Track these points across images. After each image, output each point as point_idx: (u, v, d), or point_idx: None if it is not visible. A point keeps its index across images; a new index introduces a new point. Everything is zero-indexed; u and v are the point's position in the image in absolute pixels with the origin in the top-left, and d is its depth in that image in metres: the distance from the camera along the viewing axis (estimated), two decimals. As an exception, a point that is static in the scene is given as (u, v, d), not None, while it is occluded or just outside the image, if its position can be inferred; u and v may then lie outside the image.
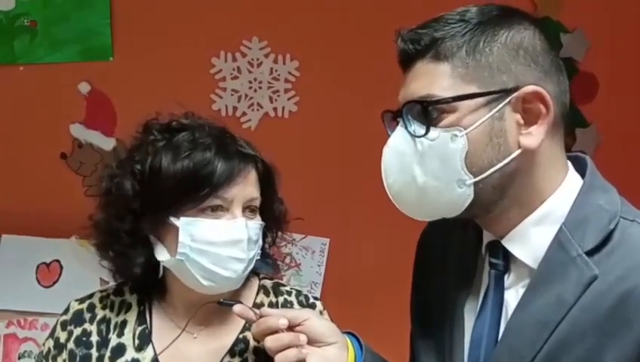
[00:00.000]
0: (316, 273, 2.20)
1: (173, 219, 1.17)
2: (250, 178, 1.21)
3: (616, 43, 2.22)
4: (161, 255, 1.20)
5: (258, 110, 2.21)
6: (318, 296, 2.13)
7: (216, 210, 1.17)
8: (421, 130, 0.96)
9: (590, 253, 0.93)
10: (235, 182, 1.18)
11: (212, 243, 1.16)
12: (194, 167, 1.17)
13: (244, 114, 2.21)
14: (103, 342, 1.23)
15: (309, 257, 2.19)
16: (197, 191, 1.16)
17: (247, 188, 1.19)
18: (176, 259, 1.17)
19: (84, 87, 2.17)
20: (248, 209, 1.20)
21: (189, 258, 1.17)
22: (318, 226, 2.15)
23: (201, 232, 1.16)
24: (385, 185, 1.01)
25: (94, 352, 1.23)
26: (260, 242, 1.23)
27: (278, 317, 1.11)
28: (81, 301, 1.28)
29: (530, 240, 0.98)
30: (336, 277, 2.20)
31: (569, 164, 1.01)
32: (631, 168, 2.05)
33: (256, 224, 1.21)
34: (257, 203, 1.22)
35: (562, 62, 1.00)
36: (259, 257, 1.23)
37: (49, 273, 2.15)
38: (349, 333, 1.17)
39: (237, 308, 1.15)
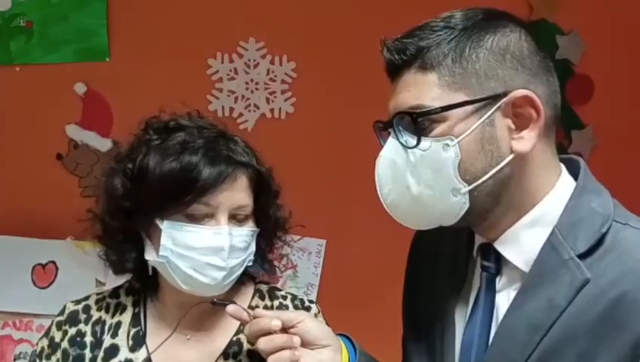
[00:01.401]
0: (313, 274, 2.20)
1: (158, 221, 1.17)
2: (239, 185, 1.18)
3: (612, 45, 2.22)
4: (149, 254, 1.20)
5: (255, 111, 2.21)
6: (315, 297, 2.13)
7: (202, 217, 1.16)
8: (412, 141, 0.95)
9: (582, 256, 0.93)
10: (221, 189, 1.16)
11: (192, 248, 1.15)
12: (179, 171, 1.15)
13: (240, 115, 2.21)
14: (97, 343, 1.23)
15: (305, 258, 2.19)
16: (181, 197, 1.15)
17: (234, 195, 1.17)
18: (157, 260, 1.18)
19: (80, 88, 2.17)
20: (236, 216, 1.18)
21: (169, 261, 1.17)
22: (315, 228, 2.14)
23: (182, 237, 1.16)
24: (379, 196, 1.01)
25: (88, 353, 1.23)
26: (253, 248, 1.21)
27: (272, 319, 1.10)
28: (77, 302, 1.28)
29: (522, 243, 0.97)
30: (333, 279, 2.19)
31: (562, 166, 1.01)
32: (627, 170, 2.05)
33: (244, 231, 1.19)
34: (248, 210, 1.20)
35: (552, 63, 1.00)
36: (250, 263, 1.22)
37: (45, 274, 2.14)
38: (342, 335, 1.16)
39: (230, 308, 1.14)
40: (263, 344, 1.09)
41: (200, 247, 1.15)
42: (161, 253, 1.17)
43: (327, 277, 2.20)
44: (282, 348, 1.08)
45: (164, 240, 1.16)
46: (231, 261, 1.17)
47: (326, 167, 2.20)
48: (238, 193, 1.18)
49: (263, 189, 1.23)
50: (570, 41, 2.23)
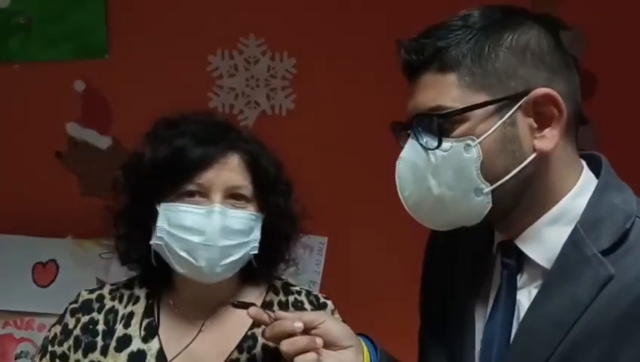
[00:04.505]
0: (314, 272, 2.19)
1: (157, 205, 1.20)
2: (231, 165, 1.20)
3: (615, 40, 2.21)
4: (153, 239, 1.22)
5: (255, 108, 2.21)
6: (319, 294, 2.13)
7: (193, 195, 1.19)
8: (433, 143, 0.95)
9: (605, 253, 0.92)
10: (210, 167, 1.18)
11: (185, 228, 1.18)
12: (170, 154, 1.19)
13: (241, 112, 2.20)
14: (109, 332, 1.24)
15: (307, 256, 2.18)
16: (172, 177, 1.18)
17: (225, 174, 1.19)
18: (156, 243, 1.20)
19: (79, 85, 2.17)
20: (232, 196, 1.20)
21: (166, 243, 1.19)
22: (316, 225, 2.13)
23: (176, 217, 1.18)
24: (401, 198, 1.00)
25: (99, 341, 1.24)
26: (256, 236, 1.22)
27: (293, 320, 1.09)
28: (91, 291, 1.30)
29: (543, 241, 0.97)
30: (335, 276, 2.18)
31: (583, 162, 1.00)
32: (631, 165, 2.04)
33: (242, 213, 1.20)
34: (245, 191, 1.21)
35: (572, 58, 0.99)
36: (255, 251, 1.22)
37: (45, 273, 2.14)
38: (363, 336, 1.16)
39: (252, 310, 1.14)
40: (286, 346, 1.08)
41: (192, 226, 1.17)
42: (157, 235, 1.19)
43: (328, 275, 2.20)
44: (306, 350, 1.07)
45: (160, 221, 1.19)
46: (223, 241, 1.18)
47: (327, 164, 2.19)
48: (229, 172, 1.20)
49: (260, 174, 1.23)
50: (572, 36, 2.21)
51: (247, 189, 1.21)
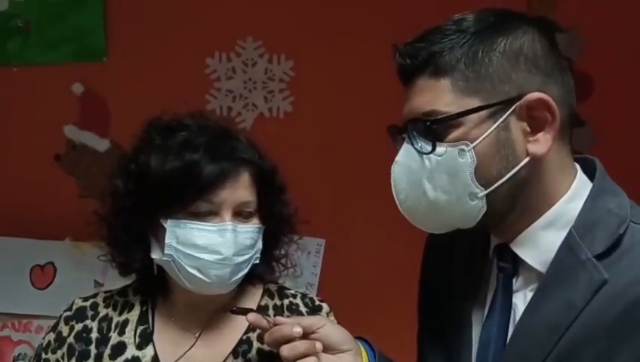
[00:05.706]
0: (312, 274, 2.20)
1: (162, 220, 1.17)
2: (242, 181, 1.19)
3: (611, 42, 2.21)
4: (155, 253, 1.20)
5: (253, 110, 2.21)
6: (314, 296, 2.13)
7: (205, 213, 1.17)
8: (428, 147, 0.95)
9: (600, 257, 0.92)
10: (224, 186, 1.17)
11: (196, 246, 1.16)
12: (181, 169, 1.16)
13: (238, 114, 2.21)
14: (103, 340, 1.23)
15: (304, 258, 2.18)
16: (184, 194, 1.16)
17: (237, 192, 1.18)
18: (163, 259, 1.18)
19: (77, 88, 2.17)
20: (241, 213, 1.19)
21: (174, 260, 1.17)
22: (314, 227, 2.13)
23: (186, 235, 1.16)
24: (396, 201, 1.00)
25: (93, 349, 1.23)
26: (259, 246, 1.22)
27: (293, 325, 1.09)
28: (85, 299, 1.29)
29: (538, 244, 0.97)
30: (332, 278, 2.19)
31: (577, 166, 1.00)
32: (627, 167, 2.04)
33: (250, 228, 1.19)
34: (252, 206, 1.20)
35: (566, 62, 0.99)
36: (257, 261, 1.22)
37: (43, 275, 2.14)
38: (361, 339, 1.16)
39: (251, 316, 1.14)
40: (286, 351, 1.08)
41: (204, 245, 1.16)
42: (166, 252, 1.17)
43: (326, 277, 2.20)
44: (306, 355, 1.07)
45: (169, 238, 1.17)
46: (236, 258, 1.17)
47: (324, 166, 2.20)
48: (241, 190, 1.18)
49: (267, 186, 1.23)
50: (568, 38, 2.22)
51: (254, 204, 1.20)
